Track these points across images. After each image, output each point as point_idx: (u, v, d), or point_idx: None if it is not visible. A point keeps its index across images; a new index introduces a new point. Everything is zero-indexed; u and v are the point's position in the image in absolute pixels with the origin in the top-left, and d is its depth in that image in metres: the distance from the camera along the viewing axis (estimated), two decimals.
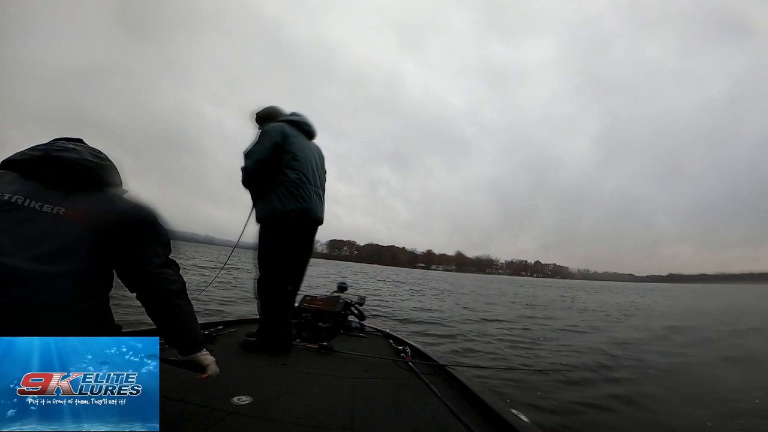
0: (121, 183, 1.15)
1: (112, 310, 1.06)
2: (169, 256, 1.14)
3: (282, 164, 2.15)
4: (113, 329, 1.03)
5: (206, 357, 1.23)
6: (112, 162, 1.14)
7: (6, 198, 0.91)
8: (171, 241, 1.15)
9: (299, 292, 2.55)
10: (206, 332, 2.20)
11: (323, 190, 2.37)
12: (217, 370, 1.26)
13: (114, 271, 1.06)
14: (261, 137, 2.18)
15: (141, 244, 1.06)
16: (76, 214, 0.95)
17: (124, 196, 1.11)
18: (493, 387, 3.05)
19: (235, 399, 1.33)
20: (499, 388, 3.11)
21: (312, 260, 2.41)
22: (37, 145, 1.05)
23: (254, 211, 2.26)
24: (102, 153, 1.13)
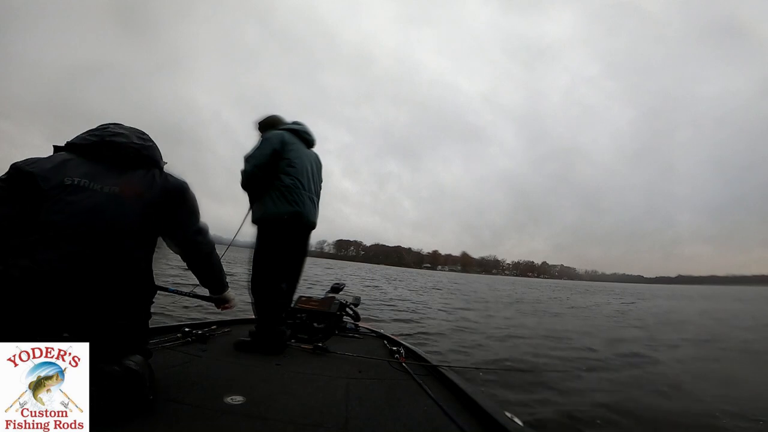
0: (161, 159, 1.36)
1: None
2: (200, 223, 1.39)
3: (278, 170, 2.26)
4: (150, 287, 1.26)
5: (230, 293, 1.64)
6: (154, 142, 1.36)
7: (76, 182, 1.11)
8: (198, 206, 1.39)
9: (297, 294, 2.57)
10: (199, 332, 2.21)
11: (318, 196, 2.47)
12: (236, 304, 1.70)
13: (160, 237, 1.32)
14: (261, 143, 2.30)
15: (179, 212, 1.30)
16: (129, 191, 1.16)
17: (163, 170, 1.34)
18: (487, 388, 3.02)
19: (229, 399, 1.34)
20: (492, 389, 3.08)
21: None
22: (91, 130, 1.26)
23: (251, 212, 2.36)
24: (145, 134, 1.34)
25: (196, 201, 1.37)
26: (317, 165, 2.51)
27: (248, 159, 2.27)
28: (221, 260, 1.57)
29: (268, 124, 2.47)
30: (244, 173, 2.28)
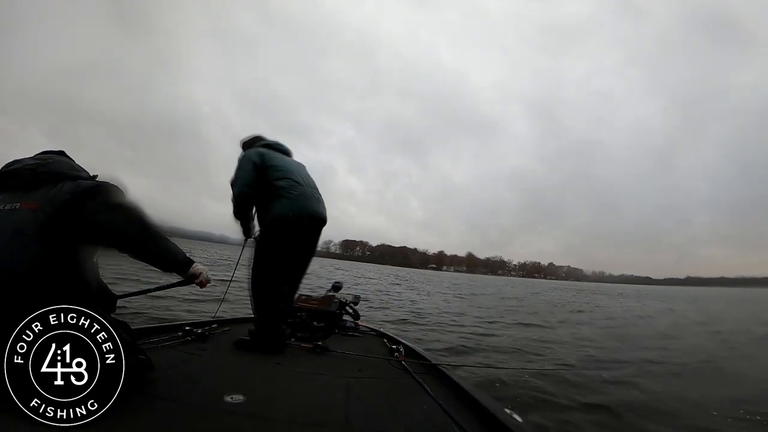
0: (76, 170, 1.36)
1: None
2: (115, 206, 1.30)
3: (269, 178, 2.25)
4: (84, 297, 1.16)
5: (197, 267, 1.49)
6: (64, 159, 1.38)
7: None
8: (119, 197, 1.32)
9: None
10: (199, 331, 2.21)
11: (317, 191, 2.44)
12: (208, 278, 1.52)
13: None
14: (240, 163, 2.29)
15: (91, 206, 1.25)
16: (29, 205, 1.20)
17: (84, 179, 1.32)
18: (486, 386, 3.01)
19: (229, 398, 1.33)
20: (492, 387, 3.07)
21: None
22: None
23: (256, 228, 2.38)
24: (48, 153, 1.38)
25: (117, 196, 1.32)
26: (303, 166, 2.51)
27: (234, 182, 2.27)
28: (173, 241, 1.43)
29: (252, 143, 2.48)
30: (235, 198, 2.27)
